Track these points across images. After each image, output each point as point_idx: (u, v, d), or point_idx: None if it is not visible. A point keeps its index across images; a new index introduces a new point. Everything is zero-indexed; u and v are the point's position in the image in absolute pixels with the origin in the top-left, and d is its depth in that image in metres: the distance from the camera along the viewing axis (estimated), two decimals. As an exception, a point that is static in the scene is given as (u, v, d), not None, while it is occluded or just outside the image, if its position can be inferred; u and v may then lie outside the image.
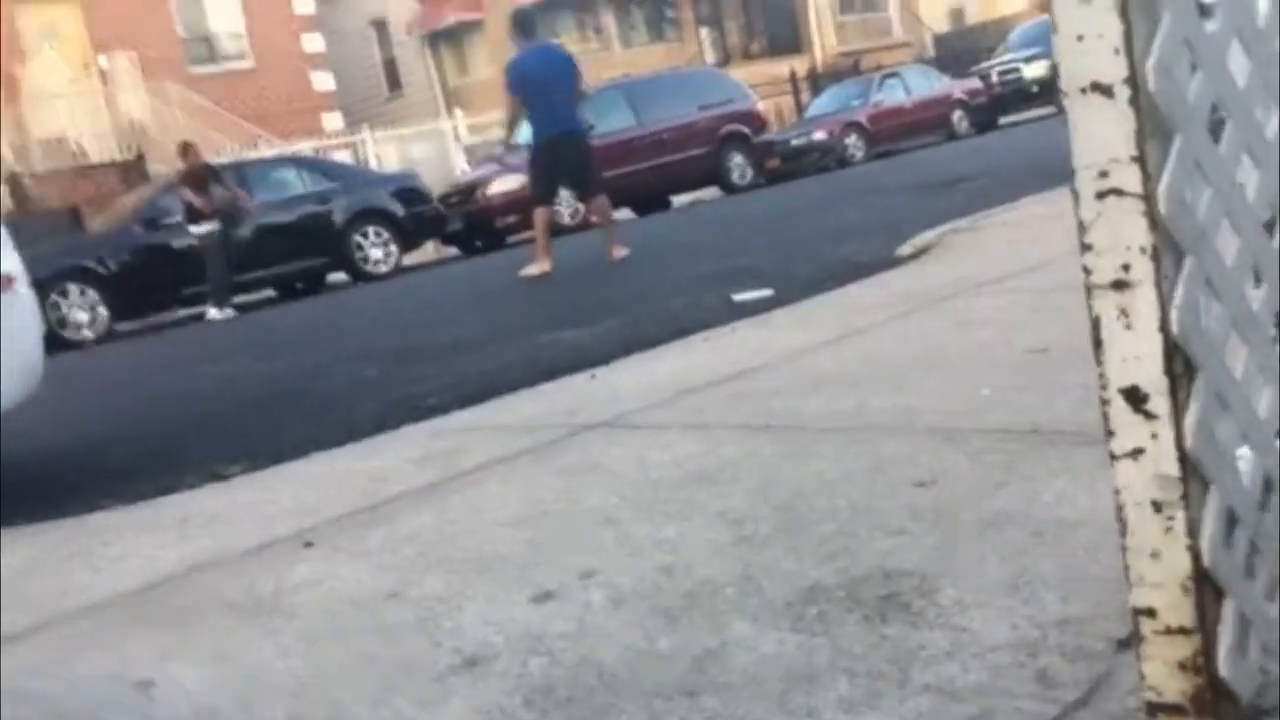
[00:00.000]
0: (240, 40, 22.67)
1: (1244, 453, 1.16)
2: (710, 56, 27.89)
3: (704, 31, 28.69)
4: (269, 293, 13.86)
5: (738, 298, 5.45)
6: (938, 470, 2.19)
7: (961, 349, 3.29)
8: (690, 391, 3.40)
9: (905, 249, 6.17)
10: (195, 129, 20.43)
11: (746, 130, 17.64)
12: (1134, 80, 1.00)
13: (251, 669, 1.85)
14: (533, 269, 8.91)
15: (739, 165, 17.42)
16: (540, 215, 9.16)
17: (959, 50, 27.86)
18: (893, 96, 20.51)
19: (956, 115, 20.98)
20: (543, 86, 8.79)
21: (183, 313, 12.99)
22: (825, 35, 29.89)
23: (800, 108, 24.28)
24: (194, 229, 12.38)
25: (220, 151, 19.34)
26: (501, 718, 1.52)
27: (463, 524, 2.47)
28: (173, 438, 4.68)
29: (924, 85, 21.27)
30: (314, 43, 23.50)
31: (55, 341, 10.55)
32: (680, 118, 16.63)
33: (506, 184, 14.69)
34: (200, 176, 12.66)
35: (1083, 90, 1.03)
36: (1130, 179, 1.02)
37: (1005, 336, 3.28)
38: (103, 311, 11.93)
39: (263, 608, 2.14)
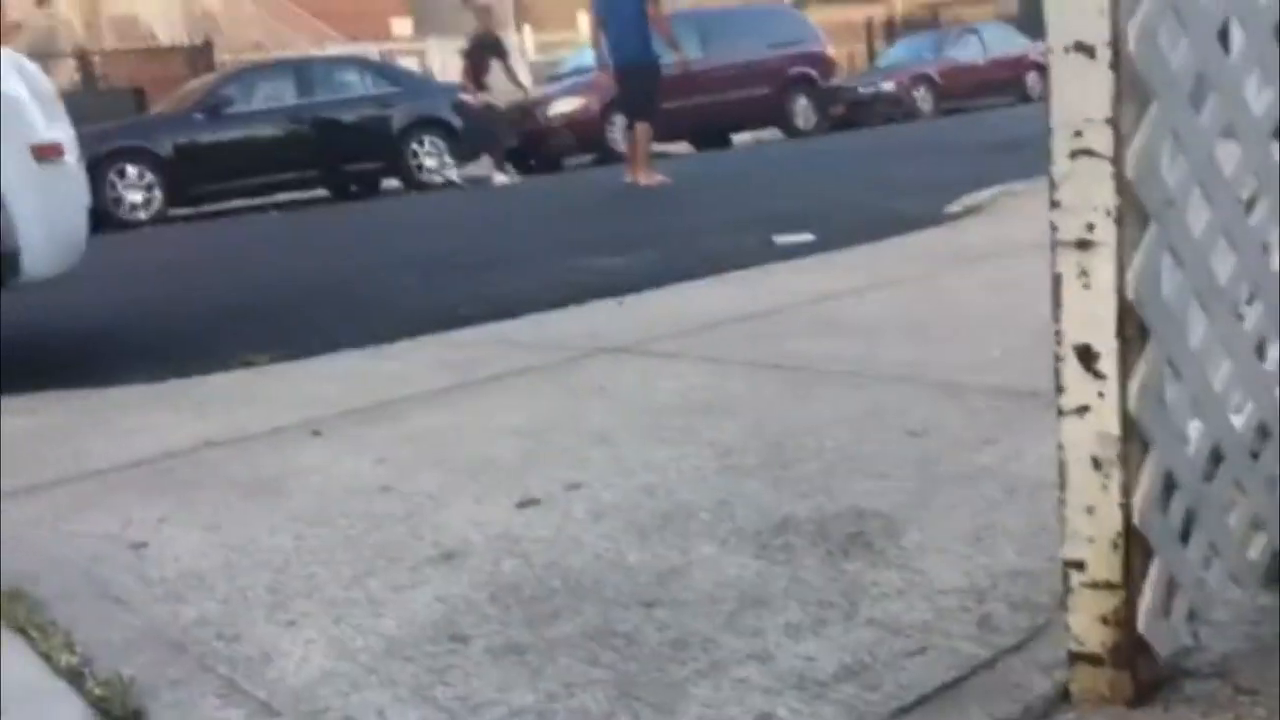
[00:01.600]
0: (319, -64, 22.59)
1: (1196, 423, 1.18)
2: (788, -6, 27.35)
3: (784, -32, 28.10)
4: (322, 192, 13.93)
5: (778, 240, 5.45)
6: (931, 422, 2.21)
7: (985, 309, 3.29)
8: (711, 326, 3.43)
9: (954, 207, 6.11)
10: (263, 21, 20.49)
11: (814, 74, 17.32)
12: (1116, 43, 1.01)
13: (241, 541, 1.92)
14: (655, 178, 9.44)
15: (803, 109, 17.14)
16: (637, 130, 9.74)
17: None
18: (967, 53, 20.06)
19: (1031, 78, 20.47)
20: (619, 12, 9.42)
21: (236, 203, 13.10)
22: (908, -16, 29.20)
23: (872, 56, 23.88)
24: (475, 96, 12.92)
25: (286, 47, 19.40)
26: (466, 609, 1.58)
27: (465, 429, 2.53)
28: (208, 324, 4.78)
29: (1001, 44, 20.74)
30: (392, -54, 23.42)
31: (109, 220, 10.71)
32: (749, 54, 16.35)
33: (566, 106, 14.61)
34: (491, 46, 13.12)
35: (1066, 49, 1.03)
36: (1102, 140, 1.03)
37: (1032, 301, 3.24)
38: (158, 194, 12.07)
39: (262, 487, 2.22)
